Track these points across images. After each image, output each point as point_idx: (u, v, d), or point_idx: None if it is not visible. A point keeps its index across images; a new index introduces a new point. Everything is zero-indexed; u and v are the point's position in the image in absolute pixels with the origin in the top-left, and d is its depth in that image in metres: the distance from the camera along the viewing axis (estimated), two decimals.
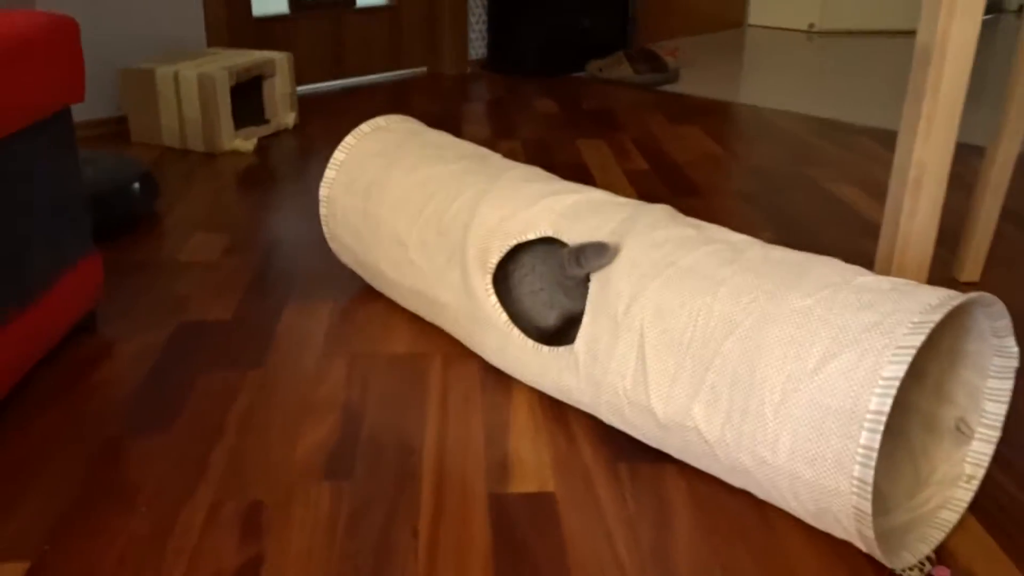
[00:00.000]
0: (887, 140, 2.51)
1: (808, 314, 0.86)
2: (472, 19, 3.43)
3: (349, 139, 1.45)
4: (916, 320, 0.80)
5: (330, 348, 1.32)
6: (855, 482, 0.79)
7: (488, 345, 1.21)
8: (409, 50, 3.35)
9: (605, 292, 1.04)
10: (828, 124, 2.67)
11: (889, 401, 0.77)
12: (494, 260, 1.18)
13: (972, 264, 1.55)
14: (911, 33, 4.57)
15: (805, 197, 2.01)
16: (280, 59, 2.49)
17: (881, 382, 0.78)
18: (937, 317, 0.80)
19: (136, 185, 1.79)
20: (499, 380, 1.23)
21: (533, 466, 1.04)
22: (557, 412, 1.16)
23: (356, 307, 1.45)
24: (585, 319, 1.06)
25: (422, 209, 1.29)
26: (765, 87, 3.21)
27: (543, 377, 1.13)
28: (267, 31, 2.90)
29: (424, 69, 3.42)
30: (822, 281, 0.89)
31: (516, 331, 1.16)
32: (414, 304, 1.36)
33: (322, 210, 1.46)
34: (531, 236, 1.16)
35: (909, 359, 0.78)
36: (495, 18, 3.40)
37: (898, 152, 1.33)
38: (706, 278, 0.96)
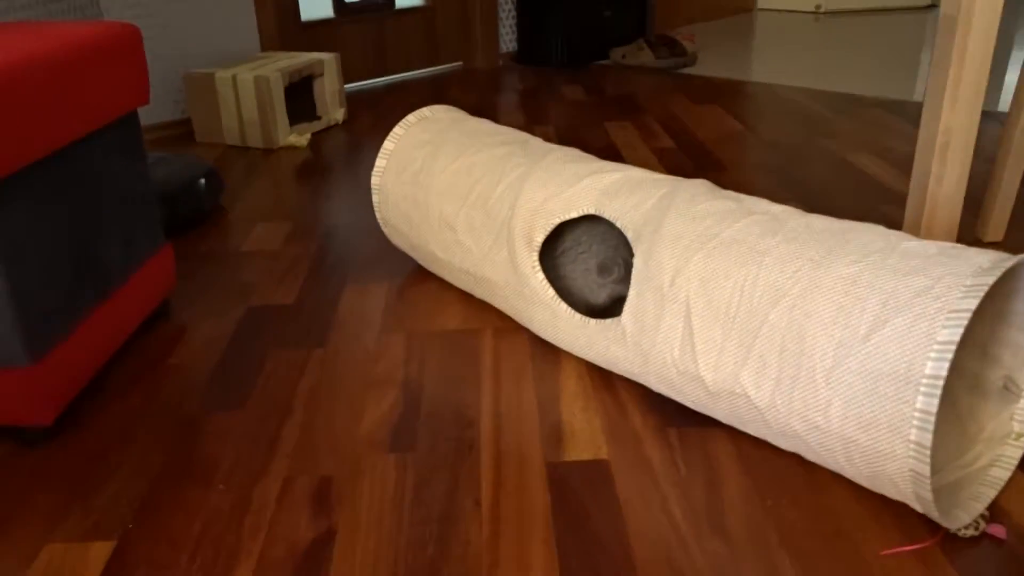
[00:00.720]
0: (897, 110, 2.39)
1: (856, 281, 0.79)
2: (502, 15, 3.33)
3: (397, 130, 1.39)
4: (969, 283, 0.73)
5: (387, 326, 1.26)
6: (912, 446, 0.72)
7: (536, 319, 1.15)
8: (445, 46, 3.26)
9: (649, 266, 0.97)
10: (840, 97, 2.55)
11: (946, 365, 0.70)
12: (539, 238, 1.12)
13: (996, 225, 1.46)
14: (913, 10, 4.39)
15: (825, 167, 1.91)
16: (328, 60, 2.43)
17: (936, 346, 0.71)
18: (990, 280, 0.72)
19: (202, 182, 1.74)
20: (548, 351, 1.17)
21: (586, 434, 0.98)
22: (605, 381, 1.09)
23: (410, 287, 1.39)
24: (631, 292, 0.99)
25: (468, 193, 1.23)
26: (778, 66, 3.08)
27: (591, 349, 1.07)
28: (315, 34, 2.83)
29: (459, 64, 3.33)
30: (867, 247, 0.82)
31: (564, 305, 1.09)
32: (464, 283, 1.30)
33: (374, 197, 1.40)
34: (574, 215, 1.10)
35: (964, 323, 0.70)
36: (523, 14, 3.30)
37: (924, 119, 1.24)
38: (750, 249, 0.89)
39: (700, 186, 1.04)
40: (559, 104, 2.66)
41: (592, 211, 1.08)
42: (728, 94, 2.70)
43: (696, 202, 0.98)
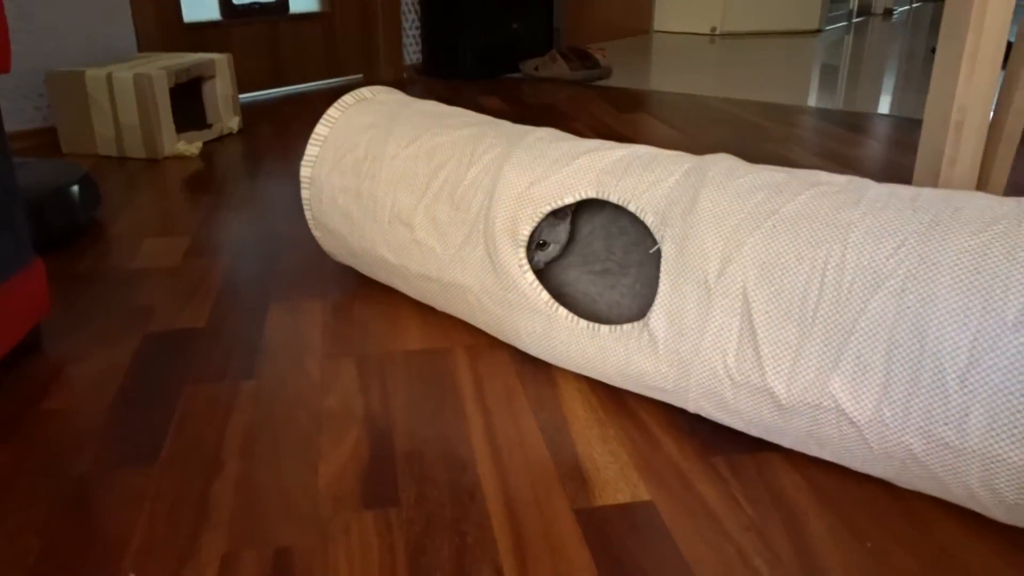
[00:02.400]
0: (827, 117, 2.35)
1: (985, 254, 0.63)
2: (405, 25, 3.13)
3: (332, 112, 1.16)
4: None
5: (332, 350, 1.02)
6: None
7: (524, 331, 0.95)
8: (345, 57, 3.03)
9: (685, 254, 0.79)
10: (767, 107, 2.49)
11: None
12: (526, 231, 0.91)
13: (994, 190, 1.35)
14: (802, 33, 4.49)
15: None
16: (220, 60, 2.15)
17: None
18: None
19: (75, 188, 1.44)
20: (538, 369, 0.96)
21: (614, 470, 0.78)
22: (617, 401, 0.90)
23: (351, 302, 1.15)
24: (661, 288, 0.80)
25: (429, 181, 1.02)
26: (691, 78, 3.02)
27: (603, 363, 0.87)
28: (200, 37, 2.54)
29: (360, 76, 3.10)
30: (986, 215, 0.66)
31: (562, 311, 0.89)
32: (423, 291, 1.07)
33: (304, 193, 1.16)
34: (568, 200, 0.90)
35: None
36: (428, 25, 3.11)
37: (933, 98, 1.12)
38: (826, 224, 0.72)
39: (730, 159, 0.87)
40: (481, 113, 2.48)
41: (592, 194, 0.89)
42: (653, 103, 2.59)
43: (735, 174, 0.81)
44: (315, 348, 1.03)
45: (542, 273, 0.96)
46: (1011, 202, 0.68)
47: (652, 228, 0.84)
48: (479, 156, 0.99)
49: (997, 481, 0.62)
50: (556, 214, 0.94)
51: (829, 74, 3.13)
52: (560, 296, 0.94)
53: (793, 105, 2.51)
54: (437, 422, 0.86)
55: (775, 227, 0.74)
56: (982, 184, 1.35)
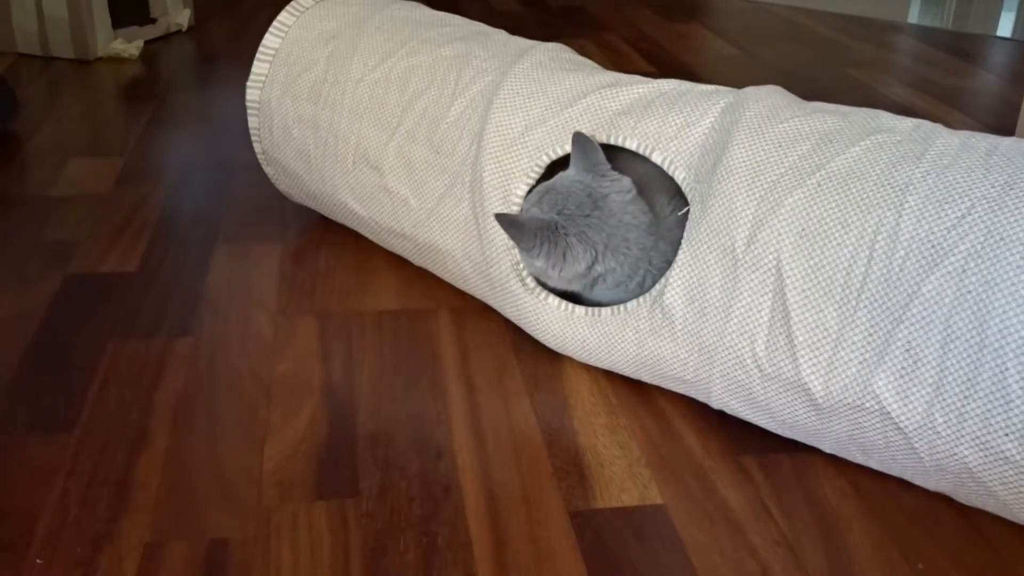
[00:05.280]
0: (928, 37, 2.33)
1: None
2: None
3: (284, 17, 1.16)
4: None
5: (288, 305, 1.05)
6: None
7: (511, 314, 0.97)
8: None
9: (710, 216, 0.80)
10: (854, 21, 2.47)
11: None
12: (521, 190, 0.93)
13: None
14: None
15: (859, 102, 1.80)
16: None
17: None
18: None
19: None
20: (537, 340, 0.98)
21: (621, 466, 0.80)
22: (631, 384, 0.92)
23: (316, 248, 1.18)
24: (680, 257, 0.82)
25: (403, 115, 1.02)
26: None
27: (610, 352, 0.89)
28: None
29: None
30: None
31: (552, 299, 0.91)
32: (397, 248, 1.09)
33: (251, 121, 1.17)
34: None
35: None
36: None
37: None
38: (879, 184, 0.73)
39: (774, 94, 0.88)
40: (488, 17, 2.47)
41: (604, 139, 0.90)
42: (709, 10, 2.58)
43: (779, 117, 0.82)
44: (268, 302, 1.05)
45: None
46: None
47: (684, 187, 0.85)
48: (465, 86, 1.00)
49: None
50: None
51: None
52: None
53: (887, 20, 2.49)
54: (411, 398, 0.89)
55: (819, 185, 0.75)
56: None
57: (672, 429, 0.86)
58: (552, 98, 0.95)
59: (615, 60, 2.04)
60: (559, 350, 0.95)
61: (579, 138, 0.88)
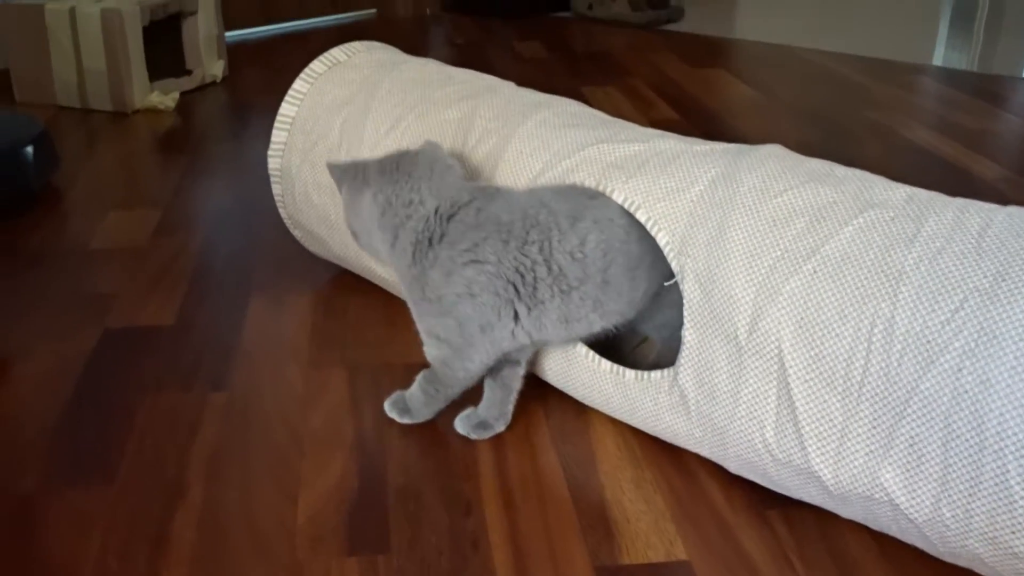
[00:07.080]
0: (953, 79, 2.33)
1: None
2: None
3: (299, 85, 1.18)
4: None
5: (319, 357, 1.07)
6: None
7: (541, 364, 0.98)
8: None
9: (712, 299, 0.81)
10: (877, 64, 2.48)
11: None
12: None
13: None
14: None
15: (881, 146, 1.81)
16: None
17: None
18: None
19: (29, 150, 1.51)
20: (564, 394, 0.99)
21: (647, 522, 0.81)
22: (656, 438, 0.93)
23: (345, 299, 1.20)
24: (687, 336, 0.82)
25: None
26: (787, 24, 3.02)
27: (631, 414, 0.90)
28: None
29: (373, 11, 3.15)
30: None
31: (581, 347, 0.92)
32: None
33: (275, 188, 1.20)
34: None
35: None
36: None
37: None
38: (874, 271, 0.73)
39: (768, 160, 0.87)
40: (515, 64, 2.51)
41: (592, 184, 0.91)
42: (731, 55, 2.60)
43: (773, 188, 0.82)
44: (300, 354, 1.07)
45: None
46: None
47: (667, 252, 0.85)
48: (472, 150, 1.02)
49: None
50: None
51: (962, 23, 3.10)
52: None
53: (910, 63, 2.50)
54: (439, 452, 0.90)
55: (815, 272, 0.75)
56: None
57: (697, 482, 0.86)
58: (553, 152, 0.97)
59: (639, 106, 2.06)
60: (584, 402, 0.96)
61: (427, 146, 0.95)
